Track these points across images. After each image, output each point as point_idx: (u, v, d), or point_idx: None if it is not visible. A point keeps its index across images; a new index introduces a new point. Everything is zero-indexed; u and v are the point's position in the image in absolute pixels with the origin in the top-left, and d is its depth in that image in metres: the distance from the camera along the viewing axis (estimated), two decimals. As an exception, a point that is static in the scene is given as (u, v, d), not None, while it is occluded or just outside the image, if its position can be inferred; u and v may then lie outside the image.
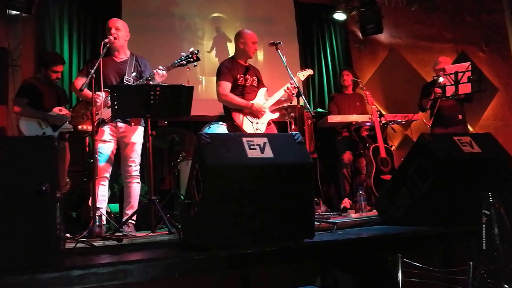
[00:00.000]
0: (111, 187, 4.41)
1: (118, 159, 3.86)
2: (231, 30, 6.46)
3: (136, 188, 3.74)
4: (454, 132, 5.14)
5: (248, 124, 3.93)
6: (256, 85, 4.12)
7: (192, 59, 3.67)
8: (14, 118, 4.69)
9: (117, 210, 4.63)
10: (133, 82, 3.73)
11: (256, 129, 3.95)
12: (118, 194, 4.78)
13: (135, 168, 3.74)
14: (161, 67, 3.63)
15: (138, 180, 3.77)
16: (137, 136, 3.77)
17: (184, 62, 3.67)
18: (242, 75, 4.04)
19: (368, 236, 2.64)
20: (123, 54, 3.86)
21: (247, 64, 4.16)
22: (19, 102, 4.22)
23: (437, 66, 5.40)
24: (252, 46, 4.09)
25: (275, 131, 4.16)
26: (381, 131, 5.18)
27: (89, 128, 3.65)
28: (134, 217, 3.59)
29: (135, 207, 3.69)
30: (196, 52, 3.68)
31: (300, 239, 2.43)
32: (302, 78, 4.40)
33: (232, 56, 4.20)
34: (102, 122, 3.63)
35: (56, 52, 5.29)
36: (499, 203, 1.45)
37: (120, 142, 3.76)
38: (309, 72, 4.51)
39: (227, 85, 3.96)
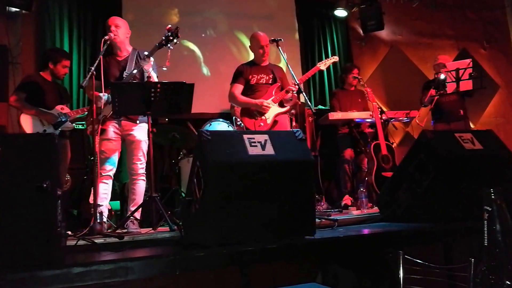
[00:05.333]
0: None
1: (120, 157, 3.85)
2: (232, 26, 6.46)
3: (141, 186, 3.72)
4: (456, 128, 5.15)
5: (249, 122, 4.05)
6: (270, 82, 4.18)
7: (171, 37, 3.45)
8: (14, 115, 4.68)
9: (117, 208, 4.63)
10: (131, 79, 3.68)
11: (260, 125, 3.99)
12: (118, 191, 4.78)
13: (140, 166, 3.72)
14: (146, 53, 3.58)
15: (144, 178, 3.75)
16: (142, 133, 3.73)
17: (163, 42, 3.47)
18: (254, 75, 4.14)
19: (369, 233, 2.65)
20: (125, 52, 3.85)
21: (265, 64, 4.24)
22: (17, 95, 4.22)
23: (436, 62, 5.43)
24: (258, 50, 4.17)
25: (286, 126, 4.19)
26: (382, 128, 5.17)
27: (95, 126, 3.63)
28: (139, 214, 3.57)
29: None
30: (174, 29, 3.46)
31: (301, 236, 2.44)
32: (324, 68, 4.44)
33: (252, 59, 4.35)
34: (107, 119, 3.63)
35: (61, 48, 5.29)
36: (500, 200, 1.45)
37: (125, 140, 3.75)
38: (334, 59, 4.54)
39: (236, 87, 4.13)
